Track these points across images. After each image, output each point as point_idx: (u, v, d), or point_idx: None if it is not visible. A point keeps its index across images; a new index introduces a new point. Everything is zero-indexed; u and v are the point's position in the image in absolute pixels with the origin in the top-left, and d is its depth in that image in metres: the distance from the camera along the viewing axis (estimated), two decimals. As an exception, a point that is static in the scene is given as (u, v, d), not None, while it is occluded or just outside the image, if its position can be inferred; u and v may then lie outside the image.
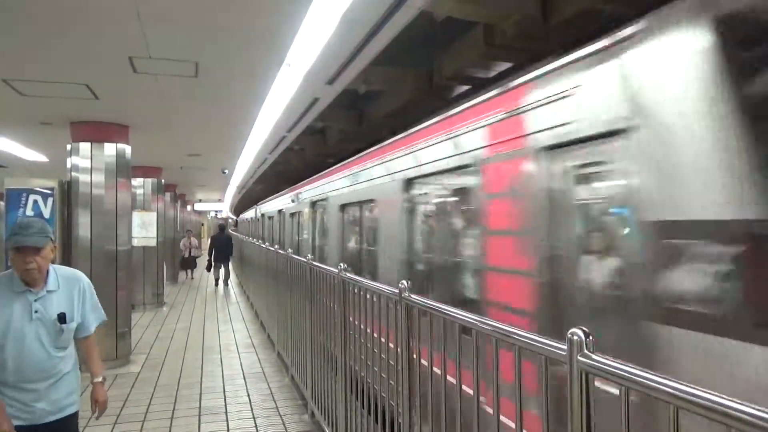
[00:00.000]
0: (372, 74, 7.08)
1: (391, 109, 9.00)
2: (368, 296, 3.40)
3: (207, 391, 6.26)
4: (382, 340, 3.20)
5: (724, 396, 1.06)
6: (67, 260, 7.25)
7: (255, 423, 5.26)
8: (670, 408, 1.17)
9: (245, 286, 14.48)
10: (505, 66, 6.73)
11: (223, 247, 16.58)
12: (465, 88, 7.84)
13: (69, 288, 2.89)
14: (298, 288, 5.61)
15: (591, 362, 1.39)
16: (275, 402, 5.88)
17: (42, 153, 10.14)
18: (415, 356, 2.68)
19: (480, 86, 6.56)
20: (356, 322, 3.69)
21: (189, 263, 20.00)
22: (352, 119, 10.96)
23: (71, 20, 4.01)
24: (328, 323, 4.39)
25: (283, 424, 5.24)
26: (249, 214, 26.09)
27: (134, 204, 11.63)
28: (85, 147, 7.43)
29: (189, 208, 26.90)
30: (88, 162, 7.41)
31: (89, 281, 3.04)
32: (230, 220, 53.56)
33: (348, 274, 3.83)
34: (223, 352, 8.25)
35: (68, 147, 7.52)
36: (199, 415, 5.47)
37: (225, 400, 5.96)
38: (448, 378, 2.29)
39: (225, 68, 5.24)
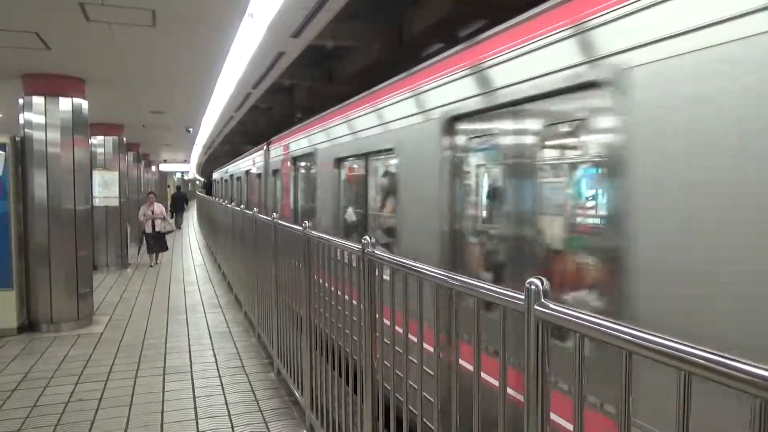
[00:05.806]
0: (340, 29, 6.88)
1: (361, 66, 8.82)
2: (332, 253, 3.36)
3: (172, 351, 6.21)
4: (346, 298, 3.18)
5: (677, 340, 1.05)
6: (23, 219, 7.01)
7: (221, 381, 5.25)
8: (623, 353, 1.17)
9: (212, 247, 14.32)
10: (478, 25, 6.62)
11: (179, 202, 24.84)
12: (438, 46, 7.71)
13: None
14: (264, 247, 5.55)
15: (547, 311, 1.38)
16: (241, 361, 5.87)
17: (-8, 108, 9.68)
18: (378, 311, 2.66)
19: (451, 44, 6.44)
20: (320, 280, 3.67)
21: (154, 242, 12.85)
22: (321, 77, 10.73)
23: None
24: (293, 282, 4.35)
25: (249, 382, 5.24)
26: (216, 175, 30.56)
27: (94, 163, 11.24)
28: (38, 101, 7.09)
29: (153, 168, 26.21)
30: (42, 117, 7.08)
31: None
32: (197, 183, 52.56)
33: (313, 232, 3.78)
34: (189, 312, 8.17)
35: (20, 101, 7.16)
36: (164, 374, 5.43)
37: (190, 359, 5.92)
38: (411, 334, 2.28)
39: (184, 17, 4.99)
